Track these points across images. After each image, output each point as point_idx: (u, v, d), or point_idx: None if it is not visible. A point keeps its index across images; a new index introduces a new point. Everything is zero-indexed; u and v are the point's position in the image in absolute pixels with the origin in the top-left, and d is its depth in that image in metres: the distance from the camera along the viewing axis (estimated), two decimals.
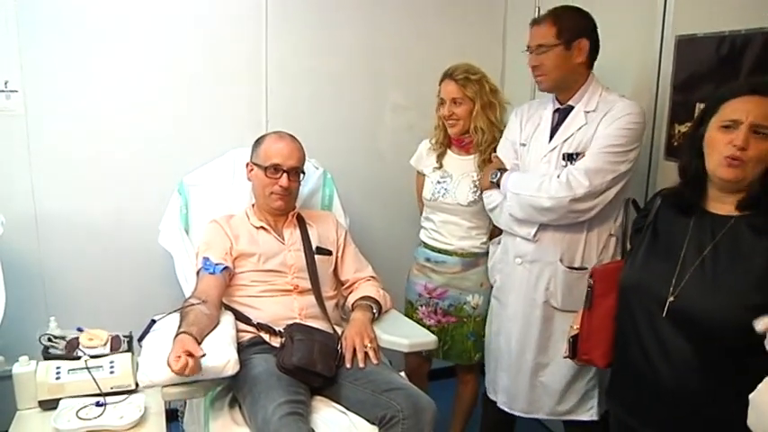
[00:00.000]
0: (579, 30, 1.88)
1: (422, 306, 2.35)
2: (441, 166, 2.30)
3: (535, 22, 1.96)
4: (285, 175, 2.06)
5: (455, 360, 2.39)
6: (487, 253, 2.25)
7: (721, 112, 1.41)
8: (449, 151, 2.31)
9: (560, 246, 1.96)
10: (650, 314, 1.48)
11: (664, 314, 1.44)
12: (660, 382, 1.46)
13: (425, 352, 2.29)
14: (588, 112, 1.91)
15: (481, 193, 2.14)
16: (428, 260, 2.32)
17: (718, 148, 1.40)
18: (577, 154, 1.89)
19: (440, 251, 2.30)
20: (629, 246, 1.71)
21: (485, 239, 2.27)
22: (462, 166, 2.26)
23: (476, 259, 2.27)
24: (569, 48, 1.88)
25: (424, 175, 2.36)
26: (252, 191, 2.18)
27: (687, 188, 1.51)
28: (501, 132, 2.18)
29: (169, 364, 1.60)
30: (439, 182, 2.28)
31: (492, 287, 2.22)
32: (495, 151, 2.15)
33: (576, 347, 1.78)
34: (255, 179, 2.12)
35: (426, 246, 2.35)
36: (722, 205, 1.44)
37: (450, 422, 2.50)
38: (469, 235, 2.27)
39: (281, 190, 2.06)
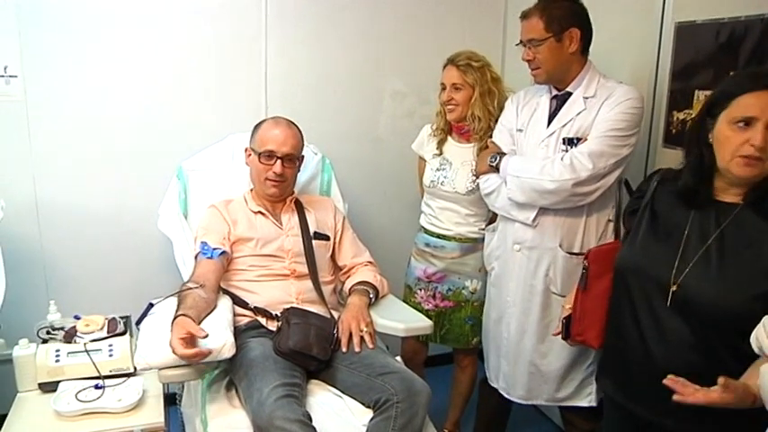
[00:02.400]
0: (568, 19, 1.85)
1: (420, 290, 2.35)
2: (440, 153, 2.30)
3: (524, 16, 1.93)
4: (279, 161, 2.05)
5: (453, 344, 2.40)
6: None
7: (734, 107, 1.36)
8: (449, 138, 2.31)
9: (560, 231, 1.95)
10: (650, 297, 1.48)
11: (668, 303, 1.43)
12: (654, 362, 1.46)
13: (422, 336, 2.31)
14: (587, 97, 1.90)
15: (477, 178, 2.13)
16: (427, 245, 2.33)
17: (731, 146, 1.36)
18: (578, 139, 1.89)
19: (438, 236, 2.30)
20: (622, 227, 1.69)
21: (483, 225, 2.27)
22: (462, 154, 2.26)
23: (474, 244, 2.27)
24: (560, 39, 1.86)
25: (425, 160, 2.36)
26: (249, 176, 2.19)
27: (694, 179, 1.47)
28: (497, 122, 2.16)
29: (173, 348, 1.61)
30: (438, 169, 2.28)
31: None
32: (491, 138, 2.14)
33: (569, 328, 1.78)
34: (252, 164, 2.12)
35: (426, 231, 2.35)
36: (727, 195, 1.43)
37: (448, 407, 2.52)
38: (467, 221, 2.27)
39: (275, 176, 2.05)
